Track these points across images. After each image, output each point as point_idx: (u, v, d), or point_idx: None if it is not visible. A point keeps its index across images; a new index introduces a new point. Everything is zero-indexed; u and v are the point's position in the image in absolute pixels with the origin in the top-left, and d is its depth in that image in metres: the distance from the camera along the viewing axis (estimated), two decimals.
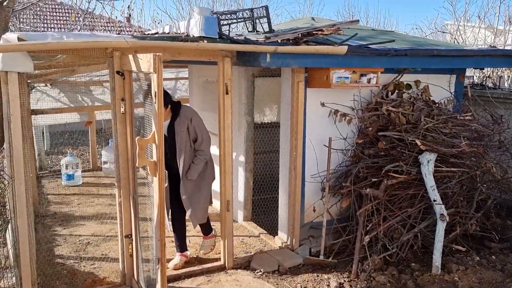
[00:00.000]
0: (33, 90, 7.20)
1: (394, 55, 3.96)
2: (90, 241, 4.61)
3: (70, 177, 6.78)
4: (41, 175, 7.52)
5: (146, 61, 2.58)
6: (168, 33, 3.47)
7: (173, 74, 8.14)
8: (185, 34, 3.24)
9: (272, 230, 4.79)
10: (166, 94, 3.41)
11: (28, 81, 6.66)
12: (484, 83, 6.23)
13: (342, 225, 4.24)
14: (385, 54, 3.90)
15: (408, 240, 3.98)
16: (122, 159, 3.32)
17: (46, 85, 7.43)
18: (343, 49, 3.61)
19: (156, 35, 3.16)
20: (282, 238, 4.37)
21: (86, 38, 2.91)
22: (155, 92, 2.51)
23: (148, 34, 3.20)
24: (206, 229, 4.08)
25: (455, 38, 8.26)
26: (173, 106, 3.59)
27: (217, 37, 3.22)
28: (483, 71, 6.35)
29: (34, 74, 6.32)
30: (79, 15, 9.50)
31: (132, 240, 3.43)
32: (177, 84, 8.59)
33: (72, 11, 10.90)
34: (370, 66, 3.97)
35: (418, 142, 3.86)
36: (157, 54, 2.45)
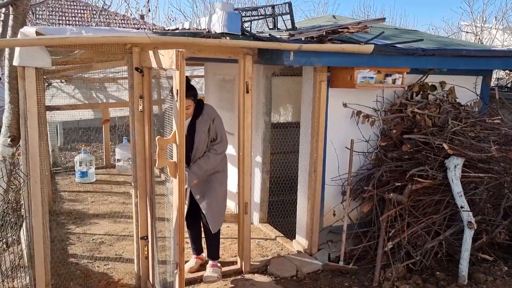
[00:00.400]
0: (49, 86, 7.17)
1: (422, 55, 3.80)
2: (103, 240, 4.54)
3: (84, 174, 6.73)
4: (54, 171, 7.50)
5: (168, 57, 2.47)
6: (188, 29, 3.36)
7: (188, 72, 8.05)
8: (207, 30, 3.13)
9: (289, 233, 4.67)
10: (193, 89, 3.29)
11: (44, 77, 6.65)
12: (510, 85, 6.02)
13: (363, 230, 4.10)
14: (412, 53, 3.74)
15: (432, 248, 3.82)
16: (139, 158, 3.22)
17: (61, 81, 7.40)
18: (369, 48, 3.47)
19: (177, 31, 3.05)
20: (300, 242, 4.25)
21: (105, 33, 2.81)
22: (177, 90, 2.40)
23: (168, 30, 3.09)
24: (215, 251, 3.70)
25: (479, 38, 8.03)
26: (197, 105, 3.43)
27: (240, 33, 3.10)
28: (509, 73, 6.14)
29: (50, 70, 6.30)
30: (94, 12, 9.46)
31: (148, 242, 3.34)
32: (191, 82, 8.49)
33: (87, 7, 10.89)
34: (395, 66, 3.82)
35: (445, 146, 3.70)
36: (180, 50, 2.34)
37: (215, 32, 3.06)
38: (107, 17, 9.51)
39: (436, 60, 3.96)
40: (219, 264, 3.70)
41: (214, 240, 3.66)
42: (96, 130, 10.86)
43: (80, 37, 2.58)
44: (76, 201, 5.86)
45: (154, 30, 3.05)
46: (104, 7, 9.05)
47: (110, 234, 4.71)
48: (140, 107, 3.15)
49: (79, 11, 12.98)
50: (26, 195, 2.92)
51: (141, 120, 3.17)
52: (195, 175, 3.34)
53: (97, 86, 7.74)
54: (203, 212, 3.47)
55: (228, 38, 3.02)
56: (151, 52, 2.78)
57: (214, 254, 3.69)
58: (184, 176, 2.53)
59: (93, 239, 4.55)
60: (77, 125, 12.01)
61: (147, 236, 3.34)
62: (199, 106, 3.39)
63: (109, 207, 5.61)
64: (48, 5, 9.18)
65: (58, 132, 10.94)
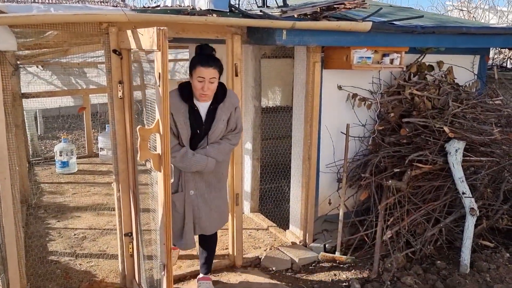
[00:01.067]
0: (23, 72, 6.77)
1: (421, 32, 3.58)
2: (86, 235, 4.28)
3: (64, 164, 6.42)
4: (34, 162, 7.16)
5: (148, 37, 2.19)
6: (171, 6, 3.06)
7: (172, 55, 7.70)
8: (191, 8, 2.84)
9: (282, 222, 4.47)
10: (219, 60, 2.73)
11: (18, 62, 6.26)
12: (505, 64, 5.86)
13: (360, 218, 3.92)
14: (412, 31, 3.51)
15: (432, 236, 3.67)
16: (120, 149, 2.95)
17: (37, 67, 7.00)
18: (367, 25, 3.22)
19: (158, 9, 2.76)
20: (294, 232, 4.05)
21: (77, 10, 2.51)
22: (159, 74, 2.14)
23: (148, 7, 2.80)
24: (209, 263, 3.23)
25: (473, 17, 7.83)
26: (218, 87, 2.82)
27: (228, 10, 2.83)
28: (503, 52, 5.98)
29: (23, 55, 5.91)
30: None
31: (132, 239, 3.09)
32: (175, 66, 8.16)
33: None
34: (394, 45, 3.59)
35: (446, 129, 3.51)
36: (162, 28, 2.07)
37: (200, 9, 2.78)
38: None
39: (435, 38, 3.74)
40: (210, 276, 3.28)
41: (211, 252, 3.22)
42: (77, 117, 10.46)
43: (47, 15, 2.28)
44: (56, 193, 5.56)
45: (133, 8, 2.75)
46: None
47: (93, 228, 4.45)
48: (120, 94, 2.87)
49: None
50: None
51: (121, 108, 2.90)
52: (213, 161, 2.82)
53: (76, 71, 7.36)
54: (202, 212, 2.92)
55: (214, 15, 2.74)
56: (129, 32, 2.49)
57: (208, 267, 3.24)
58: (170, 169, 2.28)
59: (75, 234, 4.29)
60: (58, 113, 11.57)
61: (131, 233, 3.10)
62: (222, 89, 2.83)
63: (92, 198, 5.34)
64: None
65: (38, 120, 10.54)
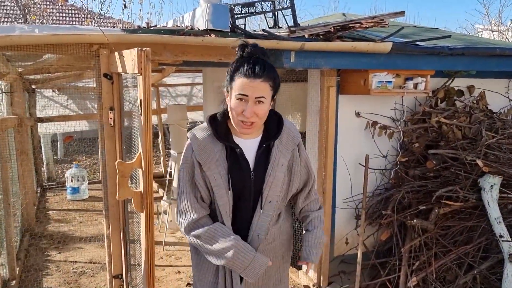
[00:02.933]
0: (39, 97, 6.74)
1: (448, 54, 3.22)
2: (85, 269, 4.01)
3: (75, 190, 6.25)
4: (47, 186, 7.05)
5: (130, 59, 1.94)
6: (171, 27, 2.82)
7: (189, 79, 7.54)
8: (189, 27, 2.59)
9: (294, 261, 4.08)
10: (274, 71, 1.68)
11: (33, 86, 6.22)
12: None
13: (381, 260, 3.49)
14: (438, 53, 3.16)
15: (465, 284, 3.20)
16: (110, 182, 2.68)
17: (53, 91, 6.97)
18: (387, 46, 2.89)
19: (152, 29, 2.52)
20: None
21: (63, 31, 2.29)
22: (141, 100, 1.86)
23: (141, 28, 2.57)
24: None
25: (506, 38, 7.38)
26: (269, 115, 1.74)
27: (229, 30, 2.56)
28: None
29: (37, 79, 5.86)
30: (90, 17, 8.98)
31: (122, 281, 2.78)
32: (193, 91, 8.00)
33: (83, 12, 10.39)
34: (418, 68, 3.24)
35: (479, 162, 3.09)
36: (144, 49, 1.80)
37: (198, 29, 2.53)
38: (102, 22, 9.03)
39: (465, 60, 3.37)
40: None
41: None
42: (94, 141, 10.41)
43: (23, 36, 2.06)
44: (63, 221, 5.36)
45: (124, 28, 2.52)
46: (100, 13, 8.59)
47: (94, 262, 4.18)
48: (111, 121, 2.61)
49: (75, 17, 12.49)
50: None
51: (112, 137, 2.64)
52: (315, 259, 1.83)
53: (92, 95, 7.28)
54: None
55: (213, 35, 2.47)
56: (116, 54, 2.25)
57: None
58: (153, 208, 1.97)
59: (73, 269, 4.02)
60: (80, 136, 11.62)
61: (121, 275, 2.79)
62: (276, 119, 1.81)
63: (97, 228, 5.10)
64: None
65: (59, 144, 10.56)
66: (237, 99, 1.61)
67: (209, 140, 1.69)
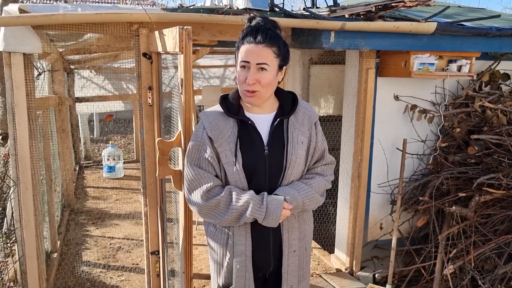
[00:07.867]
0: (78, 77, 6.91)
1: (496, 35, 3.06)
2: (122, 245, 4.14)
3: (111, 169, 6.42)
4: (84, 164, 7.28)
5: (171, 37, 1.94)
6: (209, 6, 2.80)
7: (222, 61, 7.54)
8: (228, 6, 2.57)
9: (327, 244, 4.07)
10: (280, 38, 1.65)
11: (72, 67, 6.37)
12: None
13: (416, 247, 3.44)
14: (485, 34, 3.01)
15: (505, 274, 3.11)
16: (149, 161, 2.73)
17: (91, 72, 7.13)
18: (431, 26, 2.78)
19: (191, 7, 2.52)
20: (339, 257, 3.64)
21: (104, 10, 2.32)
22: (181, 79, 1.87)
23: (182, 6, 2.56)
24: None
25: None
26: (280, 94, 1.77)
27: (268, 9, 2.52)
28: None
29: (76, 60, 6.00)
30: None
31: (159, 257, 2.86)
32: (225, 72, 7.99)
33: None
34: (462, 50, 3.10)
35: None
36: (185, 27, 1.80)
37: (237, 8, 2.50)
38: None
39: None
40: None
41: None
42: (128, 121, 10.64)
43: (67, 15, 2.10)
44: (100, 198, 5.53)
45: (163, 8, 2.52)
46: None
47: (130, 238, 4.31)
48: (149, 100, 2.65)
49: None
50: (16, 202, 2.51)
51: (150, 116, 2.68)
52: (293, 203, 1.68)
53: (128, 76, 7.41)
54: None
55: (252, 14, 2.44)
56: (156, 33, 2.26)
57: None
58: None
59: (110, 244, 4.16)
60: (115, 116, 11.89)
61: (158, 251, 2.86)
62: (290, 97, 1.78)
63: (133, 206, 5.24)
64: None
65: (94, 123, 10.86)
66: (241, 67, 1.62)
67: (221, 117, 1.68)
